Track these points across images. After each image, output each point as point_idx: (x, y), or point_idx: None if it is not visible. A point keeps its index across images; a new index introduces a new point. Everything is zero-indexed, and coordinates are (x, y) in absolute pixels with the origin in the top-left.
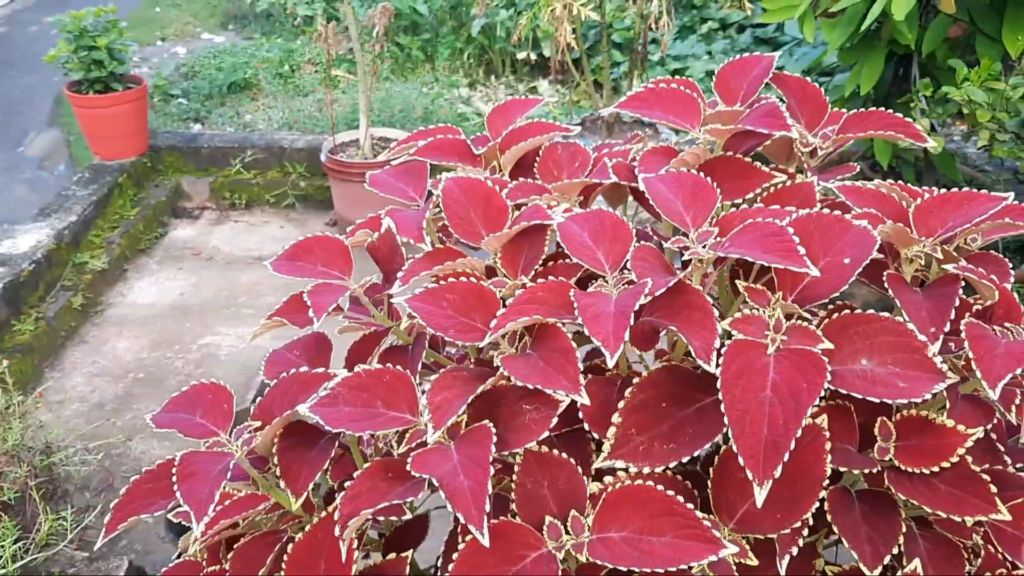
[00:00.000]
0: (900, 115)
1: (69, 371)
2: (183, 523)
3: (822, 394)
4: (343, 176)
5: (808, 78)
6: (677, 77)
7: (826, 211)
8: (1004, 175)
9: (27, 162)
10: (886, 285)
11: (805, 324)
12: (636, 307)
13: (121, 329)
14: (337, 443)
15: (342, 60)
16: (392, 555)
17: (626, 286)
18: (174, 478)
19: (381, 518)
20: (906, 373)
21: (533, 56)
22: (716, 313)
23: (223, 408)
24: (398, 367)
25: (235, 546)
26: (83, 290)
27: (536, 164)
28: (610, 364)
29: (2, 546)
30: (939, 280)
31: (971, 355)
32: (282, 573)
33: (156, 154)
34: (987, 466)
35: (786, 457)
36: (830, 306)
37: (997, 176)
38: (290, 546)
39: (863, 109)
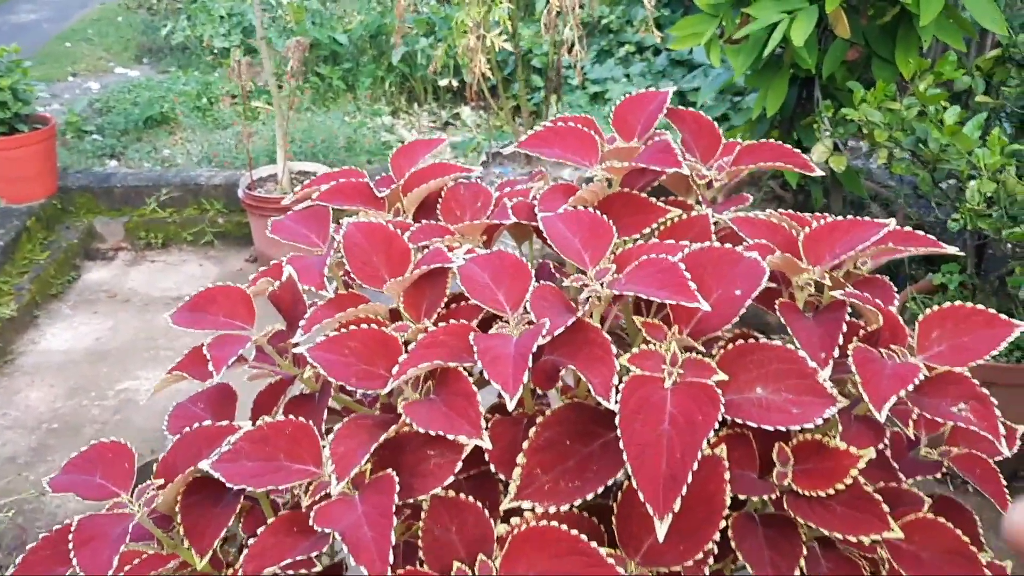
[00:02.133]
0: (789, 146)
1: None
2: None
3: (723, 423)
4: (262, 212)
5: (722, 98)
6: (582, 116)
7: (718, 244)
8: (906, 189)
9: None
10: (778, 313)
11: (700, 357)
12: (535, 348)
13: (33, 378)
14: (244, 497)
15: (262, 91)
16: None
17: (527, 326)
18: (70, 545)
19: (291, 572)
20: (799, 399)
21: (455, 83)
22: (615, 349)
23: (124, 467)
24: (301, 418)
25: None
26: None
27: (439, 205)
28: (510, 406)
29: None
30: (828, 306)
31: (858, 379)
32: None
33: (67, 195)
34: (882, 484)
35: (684, 490)
36: (731, 335)
37: (899, 190)
38: None
39: (765, 137)
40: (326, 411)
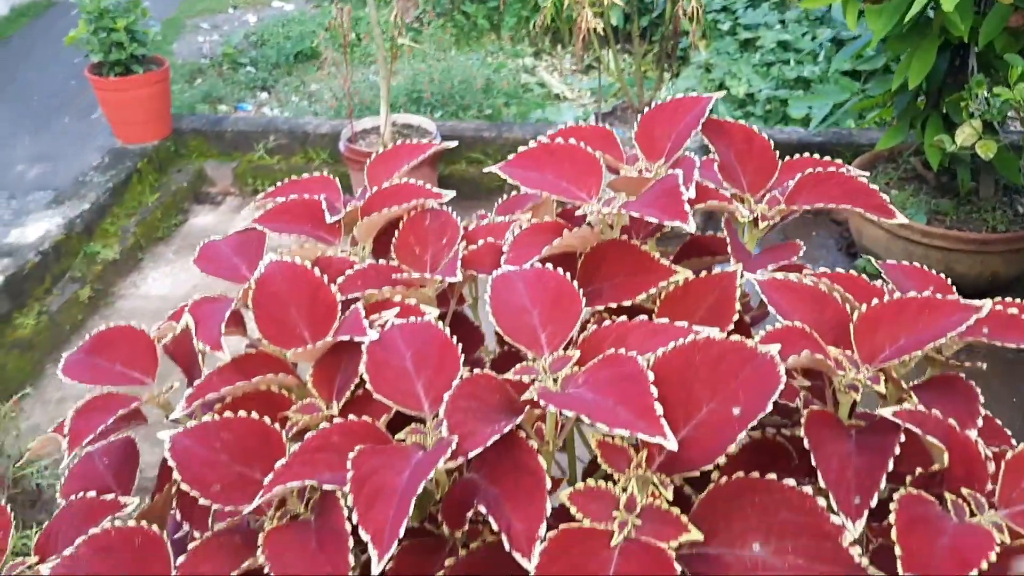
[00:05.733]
0: (864, 180)
1: None
2: None
3: None
4: (361, 166)
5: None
6: (599, 128)
7: (716, 335)
8: None
9: (100, 129)
10: (803, 431)
11: (664, 506)
12: (431, 473)
13: (129, 323)
14: None
15: (409, 28)
16: None
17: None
18: None
19: None
20: (810, 567)
21: (600, 25)
22: (549, 484)
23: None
24: (153, 527)
25: None
26: (92, 282)
27: (395, 239)
28: (376, 570)
29: None
30: (879, 424)
31: (898, 550)
32: None
33: (180, 138)
34: None
35: None
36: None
37: None
38: None
39: (905, 110)
40: None
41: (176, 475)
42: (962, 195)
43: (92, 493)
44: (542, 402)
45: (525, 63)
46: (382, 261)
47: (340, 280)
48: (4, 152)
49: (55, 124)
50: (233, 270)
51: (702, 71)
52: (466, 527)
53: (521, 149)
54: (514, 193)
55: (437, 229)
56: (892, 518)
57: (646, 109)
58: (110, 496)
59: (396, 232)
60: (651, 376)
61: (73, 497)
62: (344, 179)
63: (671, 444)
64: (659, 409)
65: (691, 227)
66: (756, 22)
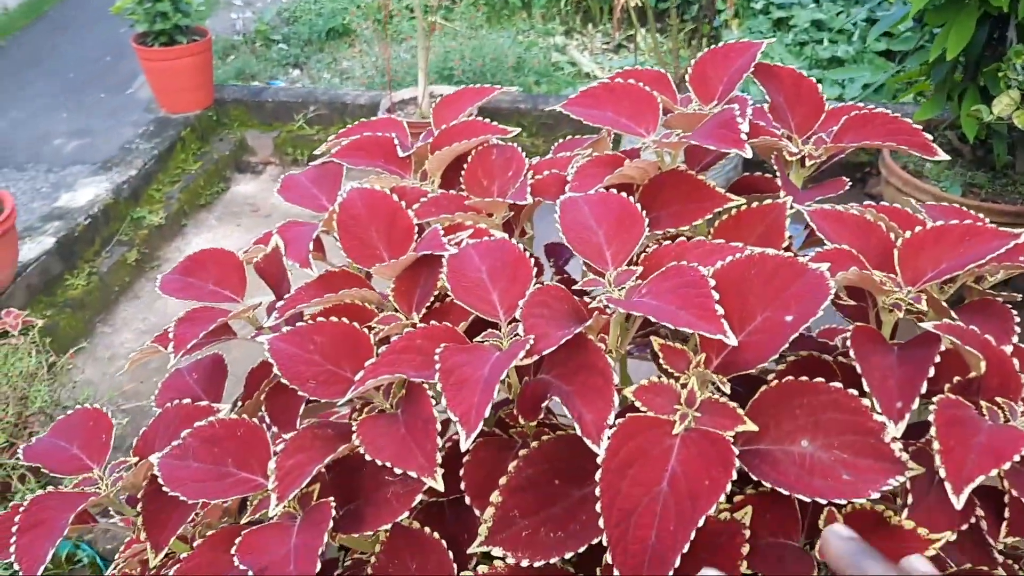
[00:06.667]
0: (908, 121)
1: (120, 327)
2: None
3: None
4: None
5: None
6: (653, 70)
7: (771, 251)
8: None
9: (134, 104)
10: (848, 345)
11: (723, 400)
12: (510, 367)
13: None
14: None
15: (440, 5)
16: None
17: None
18: (14, 528)
19: None
20: (855, 461)
21: (633, 2)
22: (616, 379)
23: (101, 439)
24: (253, 419)
25: None
26: (139, 245)
27: (463, 171)
28: (465, 446)
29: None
30: (919, 339)
31: (936, 445)
32: None
33: (222, 107)
34: (968, 566)
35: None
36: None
37: None
38: None
39: (943, 82)
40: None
41: (276, 370)
42: (998, 168)
43: (187, 400)
44: (610, 307)
45: (556, 42)
46: (452, 192)
47: (416, 206)
48: (43, 126)
49: (90, 99)
50: (312, 199)
51: None
52: (541, 415)
53: (581, 89)
54: (568, 137)
55: (503, 163)
56: (931, 418)
57: (682, 82)
58: (203, 403)
59: (464, 166)
60: (712, 283)
61: (168, 404)
62: None
63: (731, 340)
64: (720, 310)
65: (748, 153)
66: (789, 1)
